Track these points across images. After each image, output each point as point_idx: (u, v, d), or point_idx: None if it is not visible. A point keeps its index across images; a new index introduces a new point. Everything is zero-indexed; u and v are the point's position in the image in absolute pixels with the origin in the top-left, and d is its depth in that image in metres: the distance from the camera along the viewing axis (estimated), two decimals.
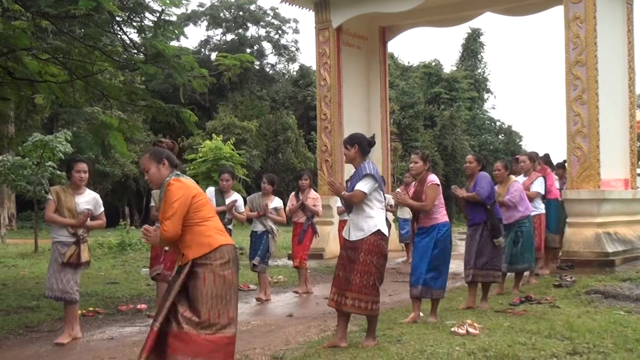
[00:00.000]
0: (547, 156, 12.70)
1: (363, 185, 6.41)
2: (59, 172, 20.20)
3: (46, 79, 10.31)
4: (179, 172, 4.85)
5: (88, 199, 7.54)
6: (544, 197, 11.07)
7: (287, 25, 52.45)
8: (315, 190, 11.58)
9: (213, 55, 46.32)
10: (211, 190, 10.01)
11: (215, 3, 50.66)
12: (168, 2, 9.00)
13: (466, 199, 8.78)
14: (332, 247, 15.28)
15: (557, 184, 12.11)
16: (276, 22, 52.09)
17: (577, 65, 13.05)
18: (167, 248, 8.11)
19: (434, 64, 56.11)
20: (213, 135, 19.07)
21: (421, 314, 7.93)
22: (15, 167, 19.17)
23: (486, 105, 61.16)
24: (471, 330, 6.85)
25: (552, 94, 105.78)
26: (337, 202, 12.37)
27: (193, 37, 51.43)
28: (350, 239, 6.46)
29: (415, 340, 6.49)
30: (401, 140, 43.60)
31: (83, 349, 7.08)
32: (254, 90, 47.38)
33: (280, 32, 52.74)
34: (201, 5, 50.43)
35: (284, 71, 54.66)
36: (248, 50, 46.59)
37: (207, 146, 16.72)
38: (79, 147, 21.39)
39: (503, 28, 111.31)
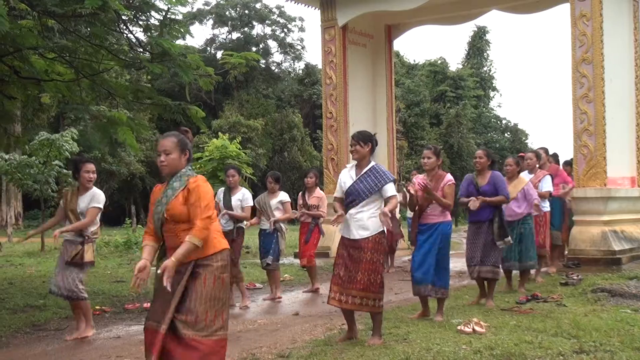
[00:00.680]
0: (555, 155, 12.68)
1: (393, 189, 6.60)
2: (65, 170, 20.24)
3: (53, 78, 10.33)
4: (191, 168, 4.84)
5: (87, 199, 7.51)
6: (550, 195, 11.05)
7: (293, 23, 52.52)
8: (321, 189, 11.56)
9: (219, 54, 46.37)
10: (220, 190, 10.02)
11: (221, 2, 50.70)
12: (174, 0, 9.00)
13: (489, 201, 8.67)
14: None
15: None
16: (282, 21, 52.13)
17: (584, 63, 13.01)
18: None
19: (439, 62, 56.07)
20: (219, 133, 19.05)
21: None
22: (21, 166, 19.20)
23: (492, 103, 61.21)
24: (477, 328, 6.85)
25: (558, 92, 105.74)
26: None
27: (199, 35, 51.79)
28: (353, 238, 6.48)
29: (422, 339, 6.50)
30: (407, 138, 43.59)
31: (90, 347, 7.10)
32: (260, 88, 47.41)
33: (285, 30, 52.79)
34: (207, 3, 50.57)
35: (289, 69, 54.72)
36: (254, 49, 46.61)
37: (214, 145, 16.70)
38: (86, 145, 21.46)
39: (509, 26, 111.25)
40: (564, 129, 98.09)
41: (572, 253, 12.54)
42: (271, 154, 41.71)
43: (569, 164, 13.26)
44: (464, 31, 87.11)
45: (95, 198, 7.52)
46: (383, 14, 17.28)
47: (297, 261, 11.88)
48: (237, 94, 45.44)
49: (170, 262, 4.43)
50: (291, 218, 10.48)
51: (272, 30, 52.62)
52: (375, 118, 18.36)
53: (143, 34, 9.78)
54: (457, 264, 13.32)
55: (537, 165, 11.07)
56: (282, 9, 51.80)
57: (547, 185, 10.90)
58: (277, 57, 54.12)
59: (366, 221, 6.47)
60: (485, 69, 59.90)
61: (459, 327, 6.97)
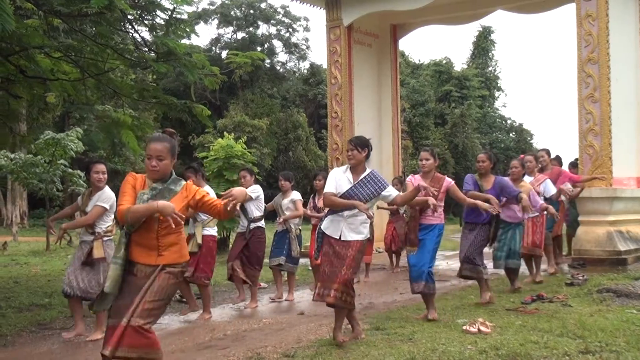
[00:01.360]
0: (558, 158, 12.67)
1: (394, 190, 6.84)
2: (70, 170, 20.30)
3: (58, 77, 10.35)
4: None
5: (94, 199, 7.56)
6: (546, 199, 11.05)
7: (298, 23, 52.48)
8: None
9: (224, 54, 46.41)
10: None
11: (226, 1, 50.71)
12: (180, 0, 9.01)
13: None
14: None
15: (568, 185, 12.04)
16: (287, 20, 52.10)
17: (589, 63, 12.98)
18: (194, 249, 8.40)
19: (444, 62, 56.02)
20: (225, 133, 19.05)
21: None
22: (27, 165, 19.29)
23: (497, 103, 61.14)
24: (483, 328, 6.84)
25: (564, 92, 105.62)
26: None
27: (204, 35, 51.92)
28: (343, 239, 6.56)
29: (427, 339, 6.49)
30: (412, 138, 43.58)
31: (95, 346, 7.09)
32: (265, 88, 47.40)
33: (290, 30, 52.76)
34: (212, 3, 50.56)
35: (294, 69, 54.71)
36: (259, 49, 46.63)
37: (219, 144, 16.68)
38: (91, 144, 21.48)
39: (514, 26, 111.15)
40: (570, 129, 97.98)
41: (577, 253, 12.53)
42: (276, 154, 41.72)
43: (574, 165, 13.24)
44: (469, 31, 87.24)
45: (101, 197, 7.55)
46: (388, 13, 17.26)
47: (303, 260, 11.85)
48: (242, 93, 45.45)
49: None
50: (300, 216, 10.34)
51: (277, 30, 52.62)
52: (380, 118, 18.35)
53: (149, 33, 9.80)
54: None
55: (537, 169, 11.11)
56: (287, 8, 51.84)
57: (552, 188, 10.94)
58: (282, 56, 54.17)
59: (359, 226, 6.59)
60: (490, 68, 59.83)
61: (464, 327, 6.96)
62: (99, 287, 7.42)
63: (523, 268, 10.33)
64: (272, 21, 51.90)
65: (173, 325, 8.20)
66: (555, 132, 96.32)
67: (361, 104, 17.36)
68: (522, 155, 11.45)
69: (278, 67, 52.81)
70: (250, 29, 51.29)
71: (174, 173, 4.89)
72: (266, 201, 10.12)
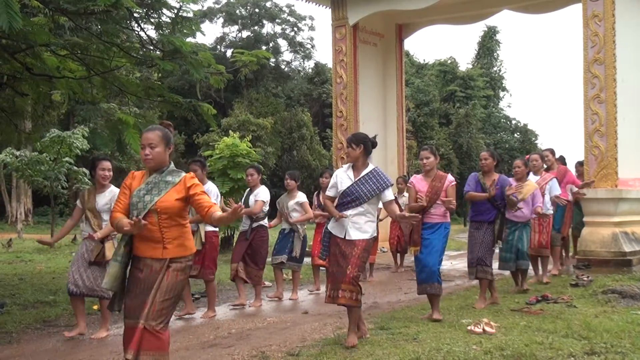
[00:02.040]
0: (562, 158, 12.66)
1: (392, 195, 6.71)
2: (75, 167, 20.33)
3: (64, 75, 10.37)
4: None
5: (108, 197, 7.50)
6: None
7: (303, 22, 52.51)
8: None
9: (229, 52, 46.40)
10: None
11: (231, 0, 50.71)
12: None
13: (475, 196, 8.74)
14: None
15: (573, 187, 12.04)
16: (292, 19, 52.14)
17: (596, 64, 12.97)
18: (198, 247, 8.16)
19: (449, 61, 56.02)
20: (230, 132, 19.07)
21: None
22: (32, 162, 19.34)
23: (502, 104, 61.09)
24: (488, 329, 6.84)
25: (569, 92, 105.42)
26: None
27: (209, 34, 51.86)
28: (349, 238, 6.51)
29: (432, 339, 6.50)
30: (416, 138, 43.54)
31: (100, 344, 7.11)
32: (269, 87, 47.44)
33: (295, 29, 52.79)
34: (217, 2, 50.63)
35: (299, 68, 54.74)
36: (263, 48, 46.65)
37: (224, 143, 16.70)
38: (95, 143, 21.51)
39: (519, 26, 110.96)
40: (575, 129, 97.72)
41: (582, 254, 12.52)
42: (280, 153, 41.71)
43: (581, 164, 13.24)
44: (474, 31, 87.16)
45: (115, 199, 7.52)
46: (394, 13, 17.27)
47: (308, 260, 11.85)
48: (247, 92, 45.47)
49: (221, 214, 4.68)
50: (311, 218, 10.29)
51: (282, 29, 52.65)
52: (385, 117, 18.36)
53: (155, 31, 9.79)
54: (465, 263, 13.30)
55: (543, 168, 11.11)
56: (293, 7, 51.90)
57: (556, 189, 10.92)
58: (286, 55, 54.21)
59: (363, 225, 6.54)
60: (495, 69, 59.79)
61: (469, 328, 6.96)
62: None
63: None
64: (277, 20, 51.94)
65: (177, 323, 8.21)
66: (560, 133, 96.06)
67: (366, 104, 17.37)
68: (527, 156, 11.44)
69: (283, 66, 52.87)
70: (255, 27, 51.35)
71: (172, 164, 4.85)
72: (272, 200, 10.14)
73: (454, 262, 14.99)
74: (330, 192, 6.71)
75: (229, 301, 10.09)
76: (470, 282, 11.25)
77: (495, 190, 8.45)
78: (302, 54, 53.99)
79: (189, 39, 9.83)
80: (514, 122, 59.65)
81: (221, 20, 51.23)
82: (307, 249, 10.51)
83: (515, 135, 57.99)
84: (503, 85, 60.79)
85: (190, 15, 9.52)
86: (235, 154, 16.36)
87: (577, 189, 12.03)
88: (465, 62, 70.80)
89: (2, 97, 11.94)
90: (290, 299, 10.22)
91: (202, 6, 47.19)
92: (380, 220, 11.09)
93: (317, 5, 17.64)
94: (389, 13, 17.23)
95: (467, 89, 53.41)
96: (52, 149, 19.16)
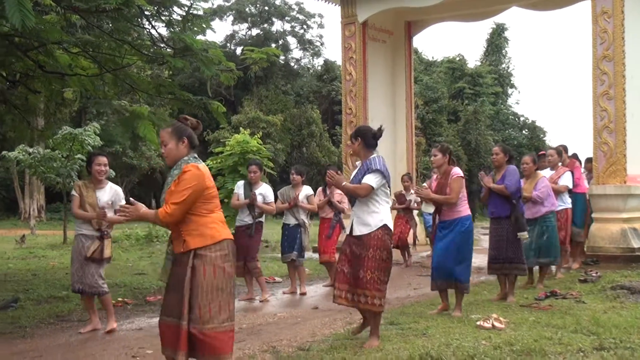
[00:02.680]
0: (574, 155, 12.61)
1: (372, 179, 6.21)
2: None
3: (76, 73, 10.40)
4: (196, 156, 4.76)
5: (109, 193, 7.48)
6: (570, 191, 10.97)
7: (312, 20, 52.47)
8: None
9: (238, 50, 46.44)
10: (240, 184, 9.97)
11: None
12: None
13: (494, 191, 8.69)
14: None
15: (585, 180, 11.99)
16: (301, 17, 52.10)
17: (605, 60, 12.90)
18: None
19: (457, 59, 55.87)
20: (240, 129, 19.09)
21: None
22: (45, 159, 19.39)
23: (510, 100, 60.92)
24: (497, 324, 6.82)
25: (578, 89, 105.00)
26: None
27: (219, 31, 51.81)
28: (354, 234, 6.29)
29: (441, 334, 6.48)
30: (425, 135, 43.46)
31: (113, 338, 7.13)
32: (279, 84, 47.43)
33: (305, 26, 52.76)
34: (227, 0, 50.57)
35: (308, 66, 54.72)
36: (273, 45, 46.58)
37: (235, 140, 16.73)
38: (108, 139, 21.54)
39: (528, 23, 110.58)
40: (583, 126, 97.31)
41: (590, 250, 12.47)
42: (290, 150, 41.73)
43: (589, 161, 13.19)
44: (483, 28, 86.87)
45: (120, 195, 7.55)
46: (403, 10, 17.25)
47: (317, 255, 11.86)
48: (257, 89, 45.48)
49: (136, 209, 4.64)
50: (314, 210, 10.37)
51: (291, 26, 52.63)
52: (394, 114, 18.34)
53: (165, 29, 9.81)
54: (476, 259, 13.26)
55: (559, 163, 11.01)
56: (302, 5, 51.82)
57: (564, 180, 10.80)
58: (296, 53, 54.18)
59: (366, 217, 6.26)
60: (503, 66, 59.62)
61: (478, 323, 6.95)
62: (103, 280, 7.42)
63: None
64: (286, 18, 51.93)
65: None
66: (569, 130, 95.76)
67: (375, 101, 17.35)
68: (542, 152, 11.37)
69: (292, 64, 52.83)
70: (265, 25, 51.34)
71: (186, 157, 4.70)
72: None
73: None
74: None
75: (237, 296, 10.11)
76: (479, 277, 11.24)
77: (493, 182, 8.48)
78: (312, 51, 53.96)
79: (200, 37, 9.84)
80: (522, 119, 59.50)
81: (231, 18, 51.28)
82: (305, 244, 10.46)
83: (524, 132, 57.82)
84: (511, 82, 60.63)
85: (201, 13, 9.53)
86: (246, 150, 16.38)
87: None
88: (473, 59, 70.77)
89: (15, 95, 11.99)
90: (300, 294, 10.22)
91: (213, 4, 47.20)
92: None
93: (327, 2, 17.63)
94: (398, 10, 17.20)
95: (476, 86, 53.26)
96: (65, 146, 19.19)
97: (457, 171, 7.69)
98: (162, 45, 10.08)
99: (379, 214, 6.27)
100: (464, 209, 7.73)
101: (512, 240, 8.60)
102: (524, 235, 8.67)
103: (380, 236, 6.22)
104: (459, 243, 7.65)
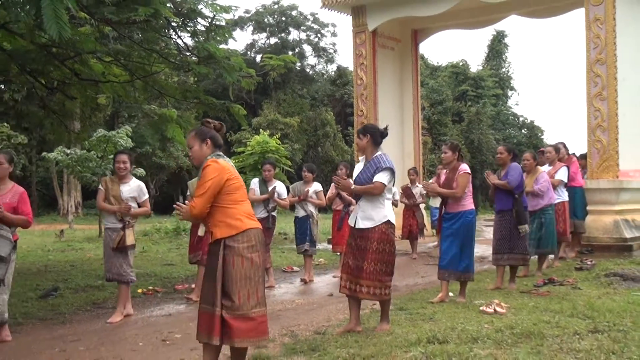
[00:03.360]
0: (572, 154, 12.54)
1: (383, 177, 6.09)
2: None
3: (109, 80, 10.45)
4: (220, 153, 4.71)
5: (132, 188, 7.49)
6: (565, 185, 10.90)
7: (326, 29, 52.32)
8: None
9: (258, 58, 46.47)
10: (255, 180, 10.04)
11: (260, 9, 50.71)
12: (219, 8, 9.04)
13: (496, 186, 8.66)
14: None
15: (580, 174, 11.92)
16: (316, 27, 51.96)
17: (598, 64, 12.83)
18: (201, 234, 7.95)
19: (461, 63, 55.65)
20: (260, 130, 19.12)
21: (450, 293, 7.90)
22: (81, 159, 19.52)
23: (510, 102, 60.52)
24: (498, 309, 6.79)
25: (573, 90, 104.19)
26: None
27: (240, 40, 51.80)
28: (358, 227, 6.15)
29: (447, 318, 6.46)
30: (431, 134, 43.35)
31: (144, 323, 7.17)
32: (296, 89, 47.37)
33: (319, 35, 52.62)
34: (247, 11, 50.58)
35: (322, 71, 54.58)
36: (290, 53, 46.52)
37: (255, 140, 16.76)
38: (139, 141, 21.61)
39: (526, 30, 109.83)
40: (578, 125, 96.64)
41: (586, 240, 12.41)
42: (306, 149, 41.69)
43: (583, 157, 13.12)
44: (484, 35, 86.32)
45: (144, 190, 7.57)
46: (410, 19, 17.20)
47: (330, 247, 11.88)
48: (275, 94, 45.46)
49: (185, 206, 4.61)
50: (322, 205, 10.43)
51: (306, 35, 52.49)
52: (402, 115, 18.30)
53: (190, 38, 9.83)
54: (478, 249, 13.22)
55: (556, 159, 10.95)
56: (316, 15, 51.67)
57: (560, 175, 10.74)
58: (311, 60, 54.01)
59: (370, 211, 6.11)
60: (503, 69, 59.26)
61: (481, 308, 6.92)
62: (131, 269, 7.46)
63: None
64: (302, 27, 51.81)
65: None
66: (565, 129, 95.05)
67: (385, 103, 17.32)
68: (541, 149, 11.32)
69: (307, 70, 52.73)
70: (282, 34, 51.27)
71: (213, 154, 4.68)
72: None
73: None
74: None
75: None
76: (481, 266, 11.20)
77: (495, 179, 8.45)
78: (325, 58, 53.82)
79: (222, 46, 9.86)
80: (521, 119, 59.13)
81: (251, 28, 51.22)
82: (315, 234, 10.45)
83: (523, 131, 57.44)
84: (511, 84, 60.25)
85: (223, 23, 9.53)
86: (266, 150, 16.43)
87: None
88: (475, 64, 70.23)
89: (54, 101, 12.06)
90: (309, 280, 10.23)
91: (234, 15, 46.97)
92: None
93: (339, 13, 17.59)
94: (405, 19, 17.15)
95: (478, 89, 53.01)
96: (99, 147, 19.32)
97: (464, 167, 7.67)
98: (187, 53, 10.09)
99: (383, 210, 6.15)
100: (468, 203, 7.68)
101: (513, 232, 8.57)
102: (524, 228, 8.63)
103: (384, 230, 6.10)
104: (463, 235, 7.62)
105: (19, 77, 10.82)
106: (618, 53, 12.81)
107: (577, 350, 5.16)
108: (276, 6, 50.85)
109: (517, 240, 8.58)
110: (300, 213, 10.25)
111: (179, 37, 9.76)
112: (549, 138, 58.69)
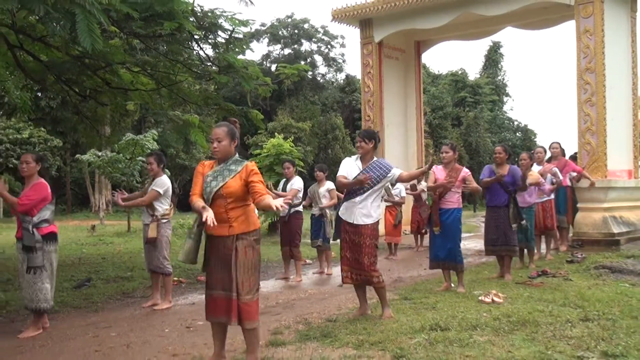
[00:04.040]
0: (562, 150, 12.48)
1: (398, 171, 6.35)
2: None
3: (137, 88, 10.48)
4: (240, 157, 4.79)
5: (156, 182, 7.50)
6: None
7: (335, 40, 52.24)
8: None
9: (273, 67, 46.45)
10: (283, 181, 10.08)
11: (275, 23, 50.74)
12: (237, 22, 9.05)
13: (490, 183, 8.62)
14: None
15: (573, 174, 11.87)
16: (326, 38, 51.91)
17: (587, 72, 12.76)
18: None
19: (460, 72, 55.46)
20: (275, 134, 19.13)
21: (452, 284, 7.88)
22: (111, 161, 19.62)
23: (505, 107, 60.24)
24: (496, 299, 6.78)
25: (564, 96, 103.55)
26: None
27: (256, 51, 51.73)
28: (355, 223, 6.17)
29: (448, 307, 6.46)
30: (432, 137, 43.24)
31: (170, 311, 7.19)
32: (307, 96, 47.36)
33: (329, 46, 52.55)
34: (263, 24, 50.59)
35: (332, 80, 54.50)
36: (302, 62, 46.47)
37: (270, 143, 16.77)
38: (164, 144, 21.64)
39: (520, 40, 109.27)
40: (569, 128, 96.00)
41: (576, 235, 12.35)
42: (317, 151, 41.68)
43: (574, 158, 13.06)
44: (482, 46, 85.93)
45: (157, 183, 7.46)
46: (413, 31, 17.16)
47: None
48: (289, 100, 45.47)
49: (270, 199, 4.44)
50: (335, 203, 10.41)
51: (317, 46, 52.45)
52: (406, 120, 18.27)
53: (211, 50, 9.84)
54: (478, 244, 13.20)
55: (545, 159, 11.02)
56: (327, 28, 51.59)
57: (558, 175, 10.83)
58: (322, 69, 53.92)
59: (369, 209, 6.17)
60: (499, 77, 58.97)
61: (480, 298, 6.91)
62: (167, 262, 7.48)
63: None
64: (313, 39, 51.77)
65: None
66: (557, 132, 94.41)
67: (390, 109, 17.30)
68: (537, 149, 11.33)
69: (318, 78, 52.68)
70: (295, 46, 51.25)
71: (236, 155, 4.73)
72: (306, 189, 10.20)
73: (465, 243, 14.82)
74: (343, 173, 6.30)
75: (275, 276, 10.14)
76: (480, 259, 11.18)
77: (503, 177, 8.42)
78: (335, 67, 53.74)
79: (240, 56, 9.86)
80: (515, 123, 58.84)
81: (266, 40, 51.23)
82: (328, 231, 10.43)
83: (517, 134, 57.18)
84: (506, 91, 59.94)
85: (241, 36, 9.54)
86: (280, 152, 16.41)
87: (576, 174, 11.86)
88: (473, 72, 69.99)
89: (86, 108, 12.10)
90: (326, 274, 10.22)
91: (251, 28, 47.10)
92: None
93: (348, 25, 17.57)
94: (409, 31, 17.12)
95: (476, 95, 52.79)
96: (128, 150, 19.39)
97: (467, 170, 7.85)
98: (209, 64, 10.11)
99: (379, 209, 6.34)
100: (459, 202, 7.78)
101: (506, 226, 8.57)
102: (525, 224, 8.83)
103: (375, 227, 6.22)
104: (454, 229, 7.66)
105: (55, 86, 10.87)
106: (606, 62, 12.75)
107: (569, 337, 5.14)
108: (290, 20, 50.87)
109: (509, 234, 8.60)
110: (315, 211, 10.25)
111: (201, 48, 9.79)
112: (542, 140, 58.37)
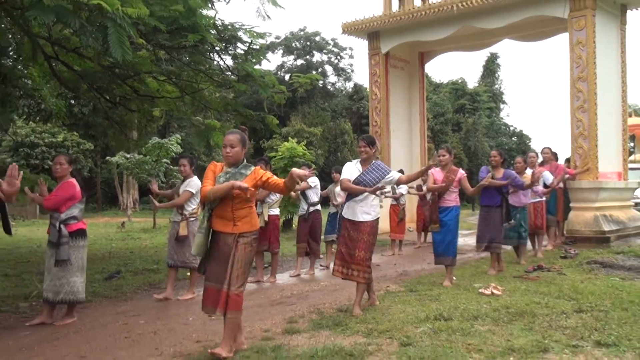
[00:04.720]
0: (554, 154, 12.42)
1: (396, 174, 6.36)
2: (171, 167, 20.64)
3: (163, 95, 10.53)
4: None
5: (185, 185, 7.48)
6: (546, 186, 10.83)
7: (344, 52, 52.15)
8: None
9: (287, 76, 46.48)
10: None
11: (289, 35, 50.77)
12: (255, 35, 9.07)
13: (489, 185, 8.59)
14: (381, 225, 15.20)
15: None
16: (336, 50, 51.84)
17: (580, 81, 12.68)
18: (262, 224, 8.04)
19: (460, 81, 55.27)
20: (289, 138, 19.13)
21: (454, 278, 7.86)
22: (138, 163, 19.68)
23: (502, 114, 59.89)
24: (495, 291, 6.76)
25: (557, 103, 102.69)
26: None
27: (272, 62, 51.63)
28: (356, 220, 6.17)
29: (451, 299, 6.44)
30: (434, 141, 43.10)
31: (193, 301, 7.19)
32: (318, 103, 47.34)
33: (339, 57, 52.47)
34: (278, 37, 50.59)
35: (341, 88, 54.42)
36: (314, 72, 46.44)
37: (284, 147, 16.77)
38: (187, 147, 21.68)
39: (517, 52, 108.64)
40: (562, 133, 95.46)
41: (569, 233, 12.27)
42: (327, 154, 41.64)
43: (568, 160, 12.99)
44: (480, 57, 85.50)
45: (190, 184, 7.45)
46: (417, 43, 17.12)
47: None
48: (301, 107, 45.47)
49: (293, 171, 4.59)
50: None
51: (328, 57, 52.39)
52: (410, 126, 18.21)
53: (231, 60, 9.88)
54: (474, 240, 13.08)
55: (537, 163, 11.02)
56: (336, 40, 51.50)
57: (547, 179, 10.84)
58: (332, 78, 53.81)
59: (369, 207, 6.18)
60: (496, 86, 58.68)
61: (480, 290, 6.89)
62: (193, 257, 7.47)
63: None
64: (324, 50, 51.72)
65: (250, 286, 8.25)
66: (550, 137, 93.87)
67: (395, 115, 17.25)
68: (530, 153, 11.29)
69: (329, 87, 52.63)
70: (307, 57, 51.24)
71: (245, 160, 4.78)
72: (321, 189, 10.15)
73: (466, 239, 14.80)
74: (347, 177, 6.32)
75: (290, 270, 10.13)
76: (480, 254, 11.11)
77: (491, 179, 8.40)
78: (344, 77, 53.66)
79: (257, 66, 9.89)
80: (511, 128, 58.50)
81: (281, 51, 51.24)
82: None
83: (513, 139, 56.88)
84: (503, 99, 59.62)
85: (258, 47, 9.57)
86: (294, 155, 16.40)
87: (568, 175, 11.85)
88: (472, 81, 69.58)
89: (116, 114, 12.18)
90: (321, 266, 10.21)
91: (267, 41, 47.23)
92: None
93: (356, 38, 17.52)
94: (413, 43, 17.07)
95: (474, 103, 52.59)
96: (154, 153, 19.45)
97: (463, 172, 7.80)
98: (228, 73, 10.15)
99: (378, 207, 6.32)
100: (457, 200, 7.76)
101: (497, 225, 8.55)
102: (514, 222, 8.79)
103: (375, 224, 6.22)
104: (452, 226, 7.64)
105: (87, 94, 10.95)
106: (597, 72, 12.67)
107: (564, 327, 5.11)
108: (302, 33, 50.89)
109: (498, 232, 8.59)
110: (332, 209, 10.26)
111: (222, 59, 9.84)
112: (536, 145, 58.07)
